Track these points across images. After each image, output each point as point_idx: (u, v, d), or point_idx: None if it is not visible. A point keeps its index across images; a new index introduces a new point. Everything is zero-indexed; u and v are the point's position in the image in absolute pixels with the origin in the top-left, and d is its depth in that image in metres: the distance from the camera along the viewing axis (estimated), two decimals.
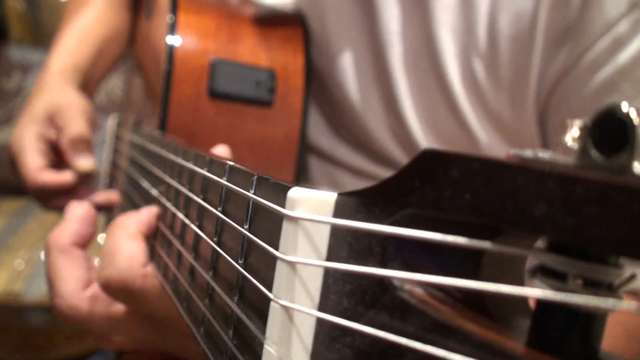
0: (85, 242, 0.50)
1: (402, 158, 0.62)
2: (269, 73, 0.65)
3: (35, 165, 0.73)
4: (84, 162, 0.75)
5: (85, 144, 0.75)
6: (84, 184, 0.77)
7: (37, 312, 1.19)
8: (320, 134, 0.70)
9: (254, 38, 0.67)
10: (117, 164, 0.84)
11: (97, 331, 0.50)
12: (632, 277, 0.15)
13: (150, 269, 0.44)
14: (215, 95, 0.64)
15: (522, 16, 0.52)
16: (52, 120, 0.76)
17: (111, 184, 0.89)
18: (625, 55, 0.49)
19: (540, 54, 0.52)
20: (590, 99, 0.50)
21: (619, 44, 0.49)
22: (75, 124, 0.74)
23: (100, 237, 0.75)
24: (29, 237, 1.37)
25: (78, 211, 0.50)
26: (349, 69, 0.64)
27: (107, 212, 0.81)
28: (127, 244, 0.44)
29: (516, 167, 0.15)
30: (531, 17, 0.51)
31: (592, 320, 0.15)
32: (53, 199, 0.76)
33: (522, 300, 0.18)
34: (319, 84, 0.68)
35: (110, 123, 0.97)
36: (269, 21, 0.70)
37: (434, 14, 0.56)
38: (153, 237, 0.47)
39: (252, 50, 0.66)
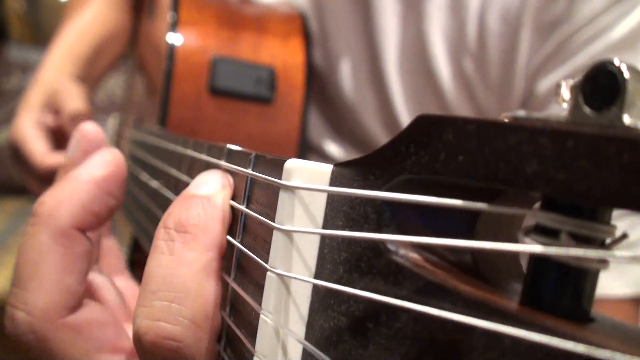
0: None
1: None
2: (269, 70, 0.66)
3: (40, 151, 0.75)
4: None
5: (86, 120, 0.76)
6: None
7: None
8: (322, 135, 0.70)
9: (255, 36, 0.68)
10: None
11: None
12: (624, 236, 0.15)
13: None
14: (215, 92, 0.64)
15: (509, 11, 0.53)
16: (49, 104, 0.77)
17: None
18: (601, 43, 0.50)
19: (527, 50, 0.53)
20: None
21: (603, 31, 0.50)
22: (73, 102, 0.76)
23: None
24: None
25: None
26: (345, 68, 0.65)
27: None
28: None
29: (509, 126, 0.15)
30: (518, 11, 0.52)
31: (583, 277, 0.15)
32: None
33: (516, 265, 0.18)
34: (318, 84, 0.69)
35: (112, 123, 0.97)
36: (270, 20, 0.70)
37: (427, 14, 0.57)
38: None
39: (253, 48, 0.67)
